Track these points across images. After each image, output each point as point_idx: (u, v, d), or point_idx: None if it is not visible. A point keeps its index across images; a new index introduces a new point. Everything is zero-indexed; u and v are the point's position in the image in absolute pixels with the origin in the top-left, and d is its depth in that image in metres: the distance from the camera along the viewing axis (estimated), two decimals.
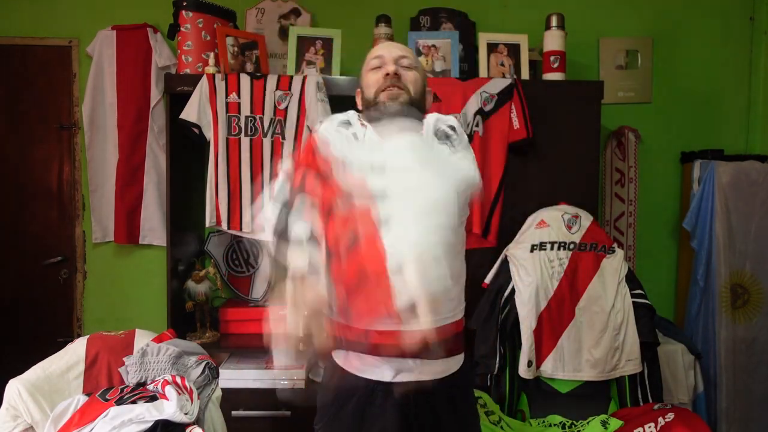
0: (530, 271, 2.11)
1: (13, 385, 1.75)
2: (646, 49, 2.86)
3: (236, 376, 2.25)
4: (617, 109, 2.85)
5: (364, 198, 1.16)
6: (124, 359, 1.87)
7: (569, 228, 2.21)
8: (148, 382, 1.80)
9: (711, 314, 2.65)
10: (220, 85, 2.33)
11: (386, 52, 1.48)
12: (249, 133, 2.35)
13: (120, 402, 1.65)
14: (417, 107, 1.45)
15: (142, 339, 1.99)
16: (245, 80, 2.35)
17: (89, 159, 2.76)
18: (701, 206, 2.66)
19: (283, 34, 2.74)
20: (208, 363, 1.84)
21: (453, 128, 1.37)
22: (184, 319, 2.53)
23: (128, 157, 2.73)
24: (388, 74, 1.44)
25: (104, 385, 1.88)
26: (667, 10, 2.87)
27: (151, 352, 1.84)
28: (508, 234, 2.32)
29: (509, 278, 2.14)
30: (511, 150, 2.38)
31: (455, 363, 1.43)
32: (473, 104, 2.35)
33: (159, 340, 1.93)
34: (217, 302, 2.70)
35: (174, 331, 2.03)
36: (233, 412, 2.19)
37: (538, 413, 2.07)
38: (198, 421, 1.69)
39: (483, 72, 2.50)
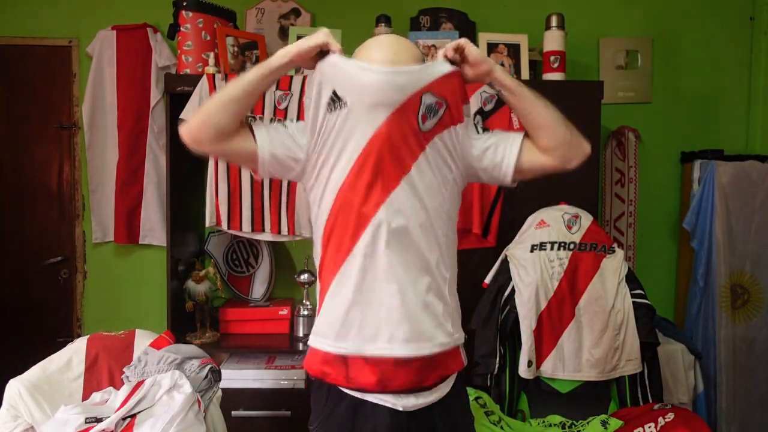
0: (530, 271, 2.11)
1: (14, 385, 1.75)
2: (646, 49, 2.86)
3: (236, 376, 2.25)
4: (617, 109, 2.84)
5: None
6: (124, 369, 1.87)
7: (569, 228, 2.21)
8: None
9: (711, 314, 2.65)
10: (220, 85, 2.33)
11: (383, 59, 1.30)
12: None
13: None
14: None
15: (142, 339, 1.99)
16: None
17: (89, 159, 2.76)
18: (701, 206, 2.66)
19: (283, 34, 2.74)
20: (211, 367, 1.83)
21: None
22: (184, 319, 2.53)
23: (128, 157, 2.73)
24: None
25: (105, 386, 1.88)
26: (667, 10, 2.87)
27: (151, 362, 1.83)
28: (508, 234, 2.31)
29: (509, 278, 2.14)
30: None
31: (446, 385, 1.38)
32: (473, 104, 2.35)
33: (157, 344, 1.91)
34: (217, 302, 2.70)
35: (171, 333, 2.01)
36: (233, 412, 2.19)
37: (538, 413, 2.07)
38: None
39: None
